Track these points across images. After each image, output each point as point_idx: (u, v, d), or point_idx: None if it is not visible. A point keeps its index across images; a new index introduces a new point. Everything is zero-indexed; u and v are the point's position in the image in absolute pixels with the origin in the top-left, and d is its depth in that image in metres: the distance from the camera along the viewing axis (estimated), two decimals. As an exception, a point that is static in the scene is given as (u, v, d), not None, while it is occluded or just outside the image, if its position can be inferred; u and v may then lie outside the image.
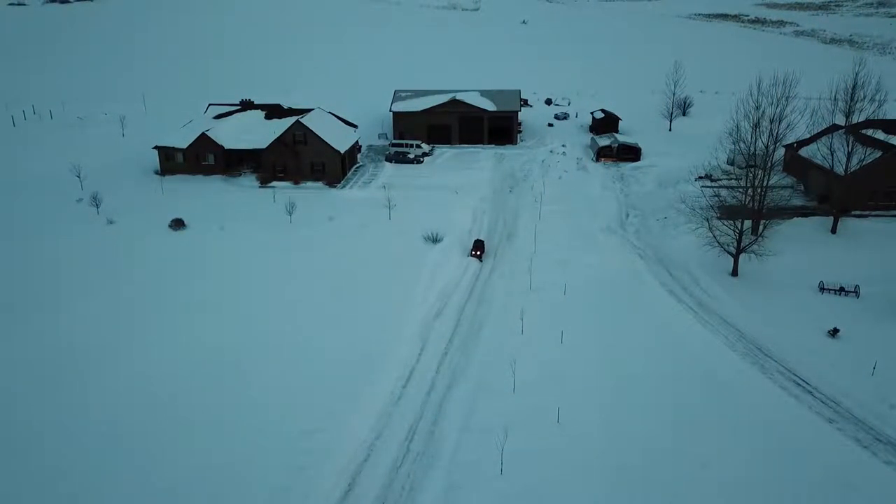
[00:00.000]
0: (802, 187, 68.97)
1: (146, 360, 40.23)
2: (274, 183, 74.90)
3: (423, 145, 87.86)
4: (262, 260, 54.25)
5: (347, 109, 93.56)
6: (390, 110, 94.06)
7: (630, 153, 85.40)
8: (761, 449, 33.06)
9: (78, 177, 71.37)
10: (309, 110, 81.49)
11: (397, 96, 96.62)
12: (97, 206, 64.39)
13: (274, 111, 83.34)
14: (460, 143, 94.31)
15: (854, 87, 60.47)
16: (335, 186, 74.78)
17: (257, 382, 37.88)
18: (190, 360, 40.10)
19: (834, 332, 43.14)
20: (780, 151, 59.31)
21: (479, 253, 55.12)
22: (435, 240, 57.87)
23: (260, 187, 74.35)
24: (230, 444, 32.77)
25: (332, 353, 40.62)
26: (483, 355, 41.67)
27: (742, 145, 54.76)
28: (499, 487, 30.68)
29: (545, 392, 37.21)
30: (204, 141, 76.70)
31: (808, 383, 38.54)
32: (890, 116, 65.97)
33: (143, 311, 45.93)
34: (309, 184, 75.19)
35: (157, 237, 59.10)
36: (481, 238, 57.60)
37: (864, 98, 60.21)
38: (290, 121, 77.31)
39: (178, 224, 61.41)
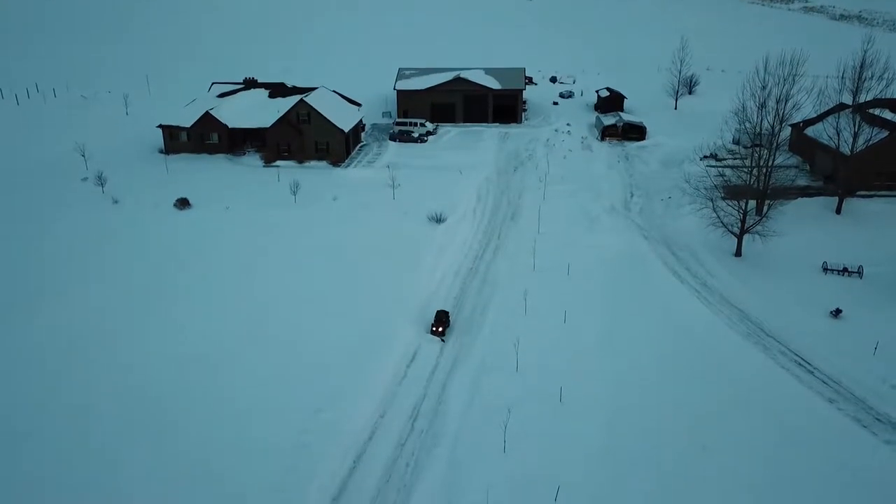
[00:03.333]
0: (808, 167, 68.68)
1: (152, 341, 40.61)
2: (278, 162, 74.92)
3: (428, 124, 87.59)
4: (267, 240, 54.44)
5: (351, 88, 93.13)
6: (394, 88, 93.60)
7: (635, 132, 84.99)
8: (762, 429, 33.38)
9: (83, 156, 71.47)
10: (313, 89, 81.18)
11: (401, 74, 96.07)
12: (102, 185, 64.56)
13: (278, 90, 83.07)
14: (464, 122, 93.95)
15: (862, 66, 59.97)
16: (339, 166, 74.75)
17: (263, 363, 38.25)
18: (196, 341, 40.46)
19: (836, 313, 43.27)
20: (786, 131, 58.95)
21: (440, 329, 41.79)
22: (439, 220, 57.95)
23: (264, 166, 74.37)
24: (236, 425, 33.23)
25: (337, 334, 40.96)
26: (487, 335, 41.98)
27: (748, 125, 54.51)
28: (502, 465, 31.11)
29: (548, 372, 37.55)
30: (208, 120, 76.60)
31: (809, 363, 38.78)
32: (898, 95, 65.49)
33: (150, 293, 46.24)
34: (313, 163, 75.18)
35: (162, 217, 59.33)
36: (444, 309, 43.70)
37: (872, 77, 59.74)
38: (293, 99, 77.10)
39: (183, 203, 61.60)
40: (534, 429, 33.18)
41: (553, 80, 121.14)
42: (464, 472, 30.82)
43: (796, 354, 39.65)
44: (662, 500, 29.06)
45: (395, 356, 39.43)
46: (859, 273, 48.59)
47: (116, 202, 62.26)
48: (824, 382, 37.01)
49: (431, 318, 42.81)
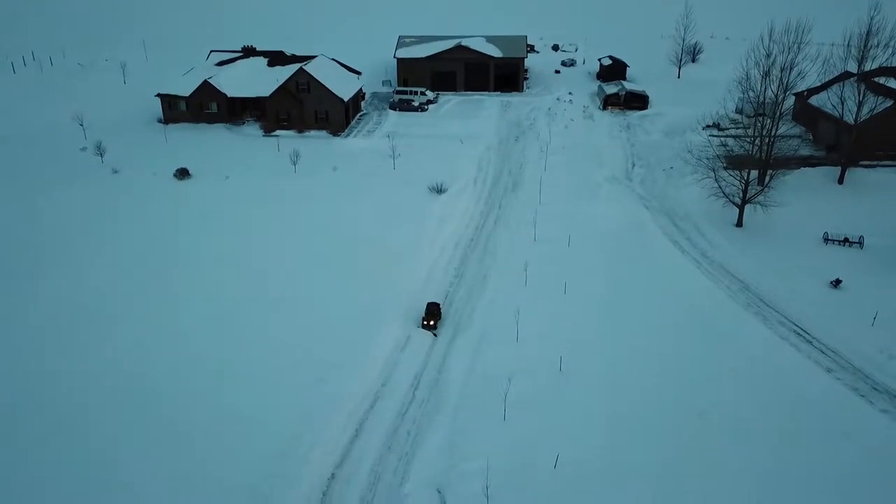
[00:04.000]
0: (811, 137, 68.22)
1: (153, 311, 40.79)
2: (278, 132, 74.44)
3: (428, 93, 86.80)
4: (268, 211, 54.35)
5: (350, 56, 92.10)
6: (394, 57, 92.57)
7: (637, 101, 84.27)
8: (760, 398, 33.72)
9: (81, 125, 71.01)
10: (312, 57, 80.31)
11: (401, 42, 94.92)
12: (101, 155, 64.25)
13: (277, 58, 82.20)
14: (465, 91, 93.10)
15: (868, 34, 59.13)
16: (339, 135, 74.28)
17: (264, 333, 38.44)
18: (196, 312, 40.64)
19: (836, 283, 43.38)
20: (790, 100, 58.41)
21: (432, 323, 39.65)
22: (440, 190, 57.77)
23: (264, 136, 73.93)
24: (240, 394, 33.50)
25: (339, 304, 41.13)
26: (488, 306, 42.16)
27: (751, 94, 53.98)
28: (502, 433, 31.50)
29: (548, 342, 37.78)
30: (206, 89, 75.91)
31: (808, 333, 38.98)
32: (904, 64, 64.70)
33: (151, 263, 46.31)
34: (313, 132, 74.71)
35: (162, 187, 59.17)
36: (435, 301, 41.31)
37: (878, 45, 58.94)
38: (293, 68, 76.30)
39: (183, 174, 61.37)
40: (534, 398, 33.51)
41: (555, 48, 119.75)
42: (464, 440, 31.21)
43: (795, 324, 39.84)
44: (660, 466, 29.46)
45: (396, 326, 39.63)
46: (860, 243, 48.58)
47: (116, 172, 62.03)
48: (822, 352, 37.27)
49: (432, 288, 42.94)
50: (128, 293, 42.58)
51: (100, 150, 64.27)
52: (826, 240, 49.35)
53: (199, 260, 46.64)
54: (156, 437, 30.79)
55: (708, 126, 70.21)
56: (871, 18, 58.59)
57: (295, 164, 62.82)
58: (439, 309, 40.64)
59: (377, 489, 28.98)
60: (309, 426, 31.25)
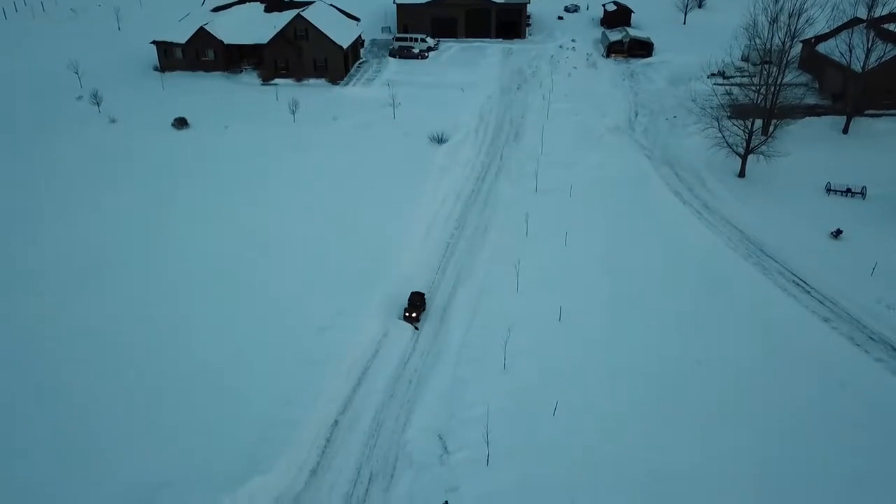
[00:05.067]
0: (817, 85, 67.22)
1: (158, 264, 40.88)
2: (276, 80, 73.38)
3: (428, 39, 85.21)
4: (267, 161, 53.98)
5: (349, 1, 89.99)
6: (394, 2, 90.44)
7: (642, 48, 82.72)
8: (757, 347, 34.17)
9: (76, 73, 69.95)
10: (310, 3, 78.51)
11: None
12: (98, 104, 63.49)
13: (274, 4, 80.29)
14: (466, 38, 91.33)
15: (879, -22, 57.73)
16: (338, 84, 73.24)
17: (266, 284, 38.54)
18: (202, 264, 40.74)
19: (837, 234, 43.41)
20: (797, 48, 57.33)
21: (414, 315, 36.74)
22: (440, 140, 57.27)
23: (262, 84, 72.93)
24: (245, 344, 33.86)
25: (341, 255, 41.24)
26: (488, 257, 42.34)
27: (758, 41, 52.97)
28: (502, 381, 32.05)
29: (548, 292, 38.06)
30: (203, 36, 74.44)
31: (807, 283, 39.21)
32: (916, 9, 63.28)
33: (151, 214, 46.21)
34: (311, 81, 73.63)
35: (160, 137, 58.64)
36: (419, 291, 38.03)
37: (890, -10, 57.62)
38: (290, 14, 74.61)
39: (181, 123, 60.76)
40: (533, 347, 33.97)
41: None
42: (465, 388, 31.78)
43: (794, 274, 40.05)
44: (658, 414, 30.05)
45: (398, 276, 39.85)
46: (862, 194, 48.41)
47: (114, 122, 61.41)
48: (821, 302, 37.56)
49: (433, 239, 42.92)
50: (126, 244, 42.63)
51: (96, 100, 63.47)
52: (828, 190, 49.16)
53: (198, 209, 46.53)
54: (157, 387, 31.16)
55: (713, 74, 69.09)
56: (884, -38, 57.09)
57: (294, 113, 62.12)
58: (423, 300, 37.46)
59: (379, 435, 29.67)
60: (312, 375, 31.68)
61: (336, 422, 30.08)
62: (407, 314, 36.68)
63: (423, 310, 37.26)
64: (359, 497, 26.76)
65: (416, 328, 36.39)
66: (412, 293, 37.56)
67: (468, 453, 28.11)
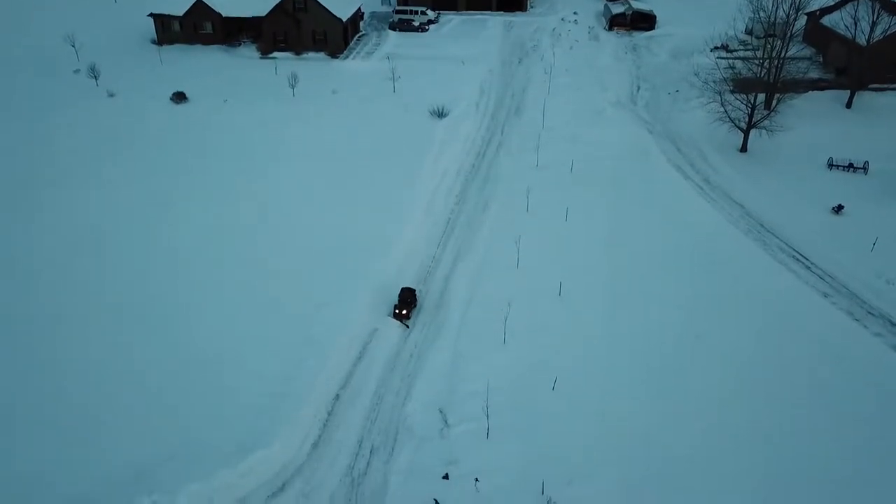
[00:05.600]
0: (821, 59, 66.55)
1: (157, 238, 40.88)
2: (275, 53, 72.68)
3: (429, 12, 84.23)
4: (266, 136, 53.70)
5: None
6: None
7: (644, 21, 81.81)
8: (757, 322, 34.27)
9: (73, 46, 69.28)
10: (308, -26, 77.24)
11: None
12: (96, 78, 62.98)
13: (271, -25, 79.08)
14: (467, 10, 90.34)
15: (887, -51, 56.82)
16: (337, 57, 72.57)
17: (267, 261, 38.46)
18: (201, 238, 40.67)
19: (838, 209, 43.31)
20: (802, 20, 56.62)
21: (404, 312, 35.02)
22: (441, 114, 56.90)
23: (261, 58, 72.28)
24: (245, 320, 33.95)
25: (340, 231, 41.16)
26: (489, 232, 42.31)
27: (762, 13, 52.33)
28: (502, 356, 32.21)
29: (548, 267, 38.10)
30: (200, 8, 73.58)
31: (807, 259, 39.22)
32: (922, -19, 62.36)
33: (153, 191, 46.02)
34: (310, 54, 72.93)
35: (159, 111, 58.26)
36: (410, 287, 36.33)
37: (897, -39, 56.74)
38: (288, -14, 73.61)
39: (179, 97, 60.32)
40: (533, 322, 34.08)
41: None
42: (465, 363, 31.97)
43: (795, 250, 40.04)
44: (657, 388, 30.24)
45: (398, 251, 39.86)
46: (864, 169, 48.20)
47: (112, 96, 60.97)
48: (820, 277, 37.60)
49: (433, 214, 42.82)
50: (126, 218, 42.53)
51: (94, 73, 62.94)
52: (830, 165, 48.95)
53: (198, 184, 46.38)
54: (156, 363, 31.25)
55: (716, 48, 68.41)
56: (892, -68, 56.14)
57: (293, 87, 61.64)
58: (414, 295, 35.89)
59: (380, 409, 29.92)
60: (312, 350, 31.83)
61: (337, 396, 30.32)
62: (397, 311, 34.91)
63: (414, 306, 35.62)
64: (360, 470, 27.08)
65: (407, 326, 34.82)
66: (402, 289, 35.63)
67: (468, 427, 28.38)
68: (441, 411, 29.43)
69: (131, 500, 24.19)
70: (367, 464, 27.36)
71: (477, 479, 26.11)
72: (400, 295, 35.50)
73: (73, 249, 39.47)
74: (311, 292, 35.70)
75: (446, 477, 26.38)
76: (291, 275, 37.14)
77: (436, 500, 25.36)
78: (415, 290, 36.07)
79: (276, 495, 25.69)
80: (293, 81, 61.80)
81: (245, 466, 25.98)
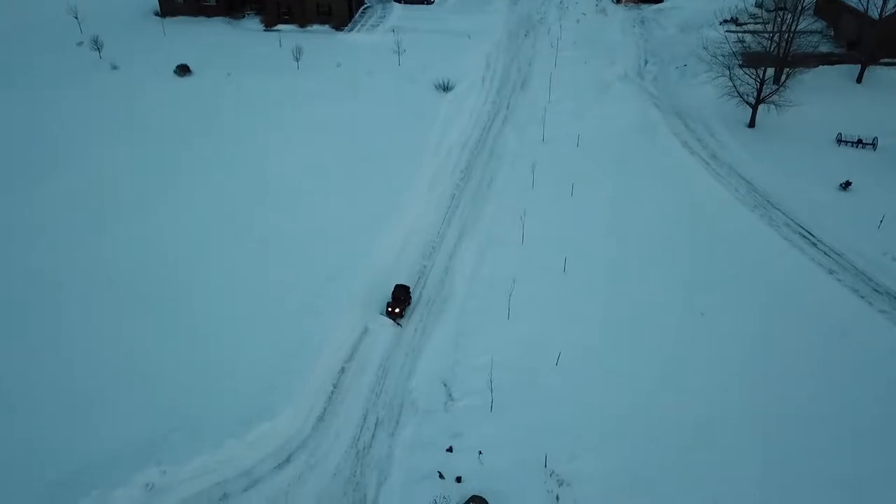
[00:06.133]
0: (832, 33, 65.55)
1: (163, 211, 40.94)
2: (279, 26, 71.94)
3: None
4: (271, 110, 53.40)
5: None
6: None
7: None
8: (761, 298, 34.27)
9: (76, 18, 68.72)
10: (312, -55, 76.21)
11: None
12: (99, 50, 62.56)
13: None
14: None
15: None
16: (342, 30, 71.83)
17: (269, 239, 38.44)
18: (207, 212, 40.75)
19: (846, 185, 42.99)
20: (814, -8, 55.78)
21: (398, 310, 33.36)
22: (446, 88, 56.45)
23: (264, 30, 71.60)
24: (252, 294, 34.15)
25: (346, 206, 41.12)
26: (494, 208, 42.22)
27: (773, -14, 51.47)
28: (506, 331, 32.34)
29: (553, 243, 38.07)
30: (203, -21, 72.78)
31: (813, 235, 39.04)
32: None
33: (158, 165, 45.96)
34: (315, 27, 72.19)
35: (163, 84, 57.92)
36: (405, 284, 34.67)
37: (912, -69, 55.50)
38: (292, -43, 72.67)
39: (183, 70, 59.91)
40: (537, 298, 34.16)
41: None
42: (469, 338, 32.13)
43: (801, 227, 39.84)
44: (660, 365, 30.39)
45: (402, 226, 39.83)
46: (873, 145, 47.73)
47: (115, 68, 60.59)
48: (826, 254, 37.45)
49: (438, 189, 42.58)
50: (132, 192, 42.55)
51: (97, 45, 62.52)
52: (839, 141, 48.48)
53: (203, 159, 46.27)
54: (165, 335, 31.53)
55: (725, 21, 67.38)
56: None
57: (297, 60, 61.15)
58: (408, 293, 34.33)
59: (385, 382, 30.17)
60: (319, 324, 32.01)
61: (343, 369, 30.55)
62: (390, 309, 33.21)
63: (408, 304, 34.08)
64: (365, 442, 27.38)
65: (400, 325, 33.19)
66: (396, 286, 34.01)
67: (472, 401, 28.64)
68: (445, 385, 29.67)
69: (140, 469, 24.56)
70: (373, 436, 27.66)
71: (480, 453, 26.42)
72: (393, 293, 33.81)
73: (78, 221, 39.49)
74: (317, 267, 35.78)
75: (450, 450, 26.68)
76: (296, 250, 37.20)
77: (440, 473, 25.67)
78: (409, 288, 34.46)
79: (281, 466, 26.04)
80: (297, 54, 61.30)
81: (251, 438, 26.36)
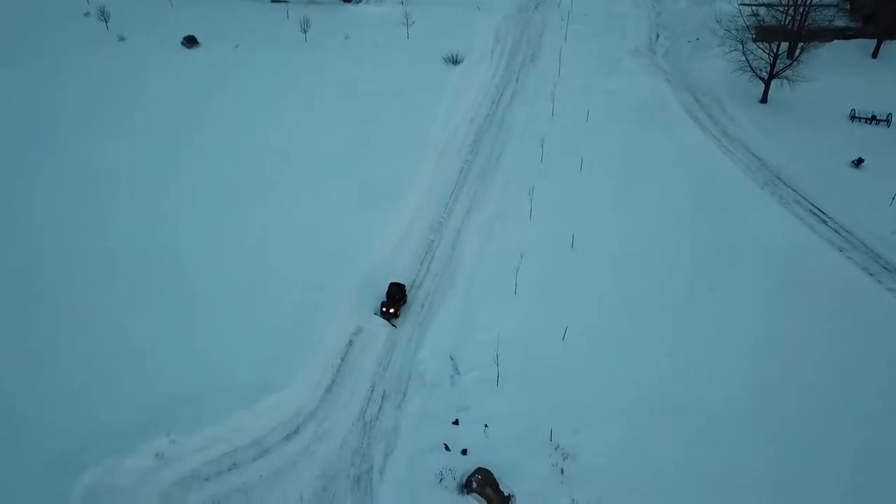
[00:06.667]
0: (848, 6, 64.35)
1: (172, 187, 40.88)
2: (287, -3, 71.20)
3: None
4: (278, 81, 53.13)
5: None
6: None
7: (666, -35, 78.97)
8: (770, 275, 34.14)
9: (82, -12, 68.23)
10: (320, -86, 75.06)
11: None
12: (106, 21, 62.16)
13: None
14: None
15: None
16: (350, 1, 71.00)
17: (291, 206, 38.51)
18: (217, 185, 40.69)
19: (858, 162, 42.57)
20: (831, -35, 54.67)
21: (392, 310, 31.80)
22: (455, 61, 55.93)
23: (272, 1, 70.86)
24: (261, 267, 34.26)
25: (355, 179, 41.04)
26: (502, 183, 42.06)
27: (789, -42, 50.43)
28: (513, 306, 32.43)
29: (561, 218, 37.94)
30: (210, -51, 71.79)
31: (824, 213, 38.76)
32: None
33: (163, 137, 45.84)
34: (323, -2, 71.39)
35: (171, 56, 57.61)
36: (400, 282, 33.21)
37: None
38: (300, -74, 71.59)
39: (191, 42, 59.55)
40: (545, 273, 34.15)
41: None
42: (476, 312, 32.23)
43: (812, 204, 39.54)
44: (667, 339, 30.44)
45: (410, 203, 39.74)
46: (887, 121, 47.13)
47: (123, 40, 60.25)
48: (836, 232, 37.21)
49: (447, 164, 42.31)
50: (143, 164, 42.54)
51: (104, 16, 62.10)
52: (853, 117, 47.89)
53: (212, 132, 46.14)
54: (173, 307, 31.70)
55: (740, -8, 66.24)
56: None
57: (305, 32, 60.63)
58: (404, 291, 32.86)
59: (392, 356, 30.37)
60: (327, 297, 32.13)
61: (350, 342, 30.72)
62: (384, 309, 31.86)
63: (404, 303, 32.62)
64: (372, 414, 27.65)
65: (395, 325, 31.84)
66: (391, 284, 32.61)
67: (479, 374, 28.82)
68: (452, 359, 29.84)
69: (150, 439, 24.91)
70: (380, 409, 27.92)
71: (486, 426, 26.65)
72: (388, 291, 32.42)
73: (89, 194, 39.47)
74: (325, 243, 35.81)
75: (456, 423, 26.92)
76: (305, 226, 37.16)
77: (446, 445, 25.93)
78: (404, 286, 32.96)
79: (290, 437, 26.34)
80: (305, 26, 60.76)
81: (260, 408, 26.61)
